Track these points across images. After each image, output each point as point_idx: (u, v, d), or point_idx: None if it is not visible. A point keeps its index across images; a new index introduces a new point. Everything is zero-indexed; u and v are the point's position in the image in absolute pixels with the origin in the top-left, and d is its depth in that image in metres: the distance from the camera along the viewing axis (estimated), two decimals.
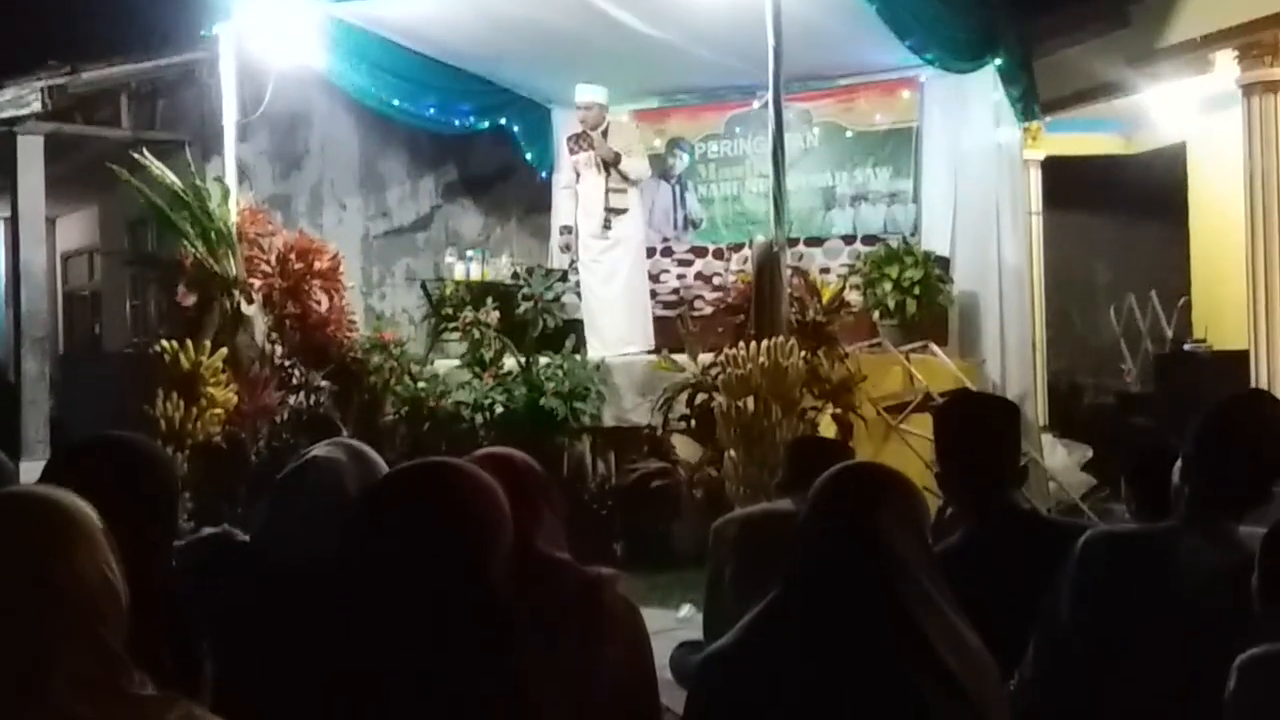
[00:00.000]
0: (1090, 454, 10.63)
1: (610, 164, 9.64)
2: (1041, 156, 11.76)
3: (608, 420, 8.77)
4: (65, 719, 1.70)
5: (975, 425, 3.10)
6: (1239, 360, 9.38)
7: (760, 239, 7.79)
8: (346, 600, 1.97)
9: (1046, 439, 10.51)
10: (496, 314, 9.25)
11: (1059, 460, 10.34)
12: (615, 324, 9.65)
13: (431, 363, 9.36)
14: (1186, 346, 10.76)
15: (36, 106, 10.66)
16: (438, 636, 1.88)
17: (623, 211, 9.75)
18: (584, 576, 2.31)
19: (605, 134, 9.70)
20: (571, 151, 10.02)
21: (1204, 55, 9.75)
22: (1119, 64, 10.36)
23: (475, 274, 10.47)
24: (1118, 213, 12.97)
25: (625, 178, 9.71)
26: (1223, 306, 10.48)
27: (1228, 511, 2.53)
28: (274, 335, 8.87)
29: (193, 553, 2.77)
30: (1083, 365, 13.18)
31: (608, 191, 9.68)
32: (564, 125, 11.66)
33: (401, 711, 1.85)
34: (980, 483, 2.98)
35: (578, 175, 9.97)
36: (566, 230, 10.19)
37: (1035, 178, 11.75)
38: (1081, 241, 13.07)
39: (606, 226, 9.67)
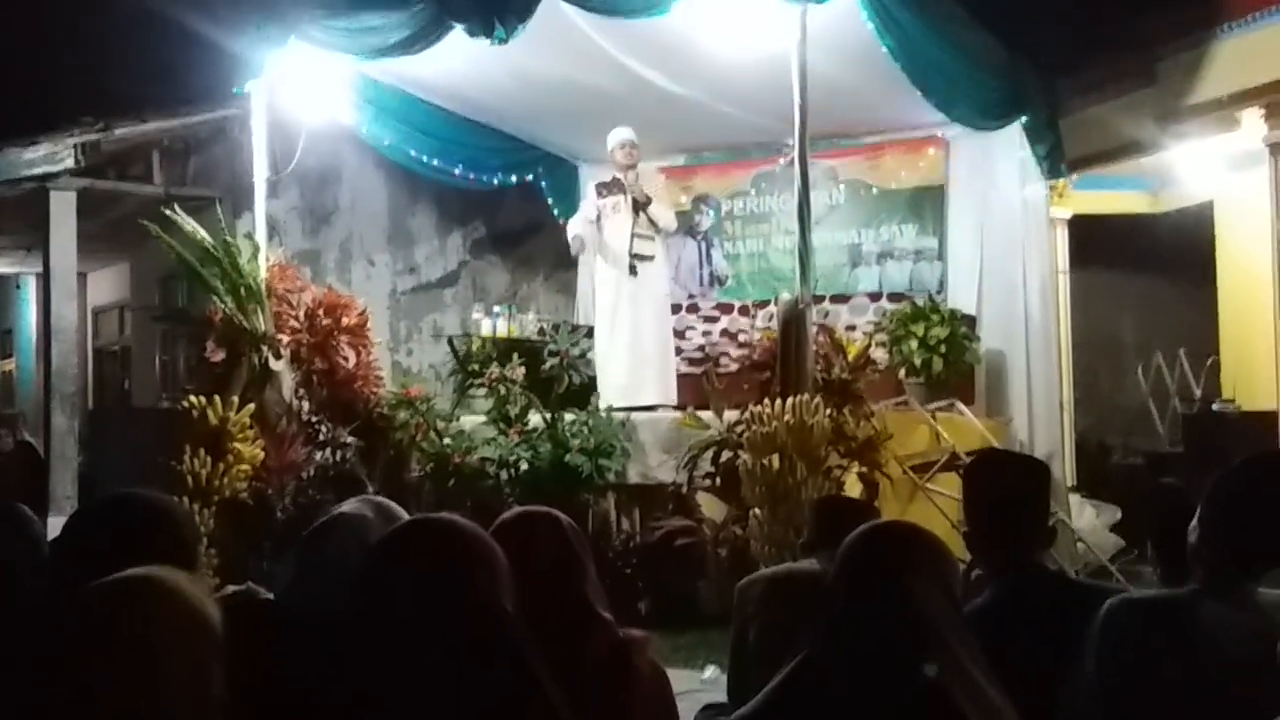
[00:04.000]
0: (1119, 515, 10.52)
1: (641, 205, 9.56)
2: (1068, 214, 11.74)
3: (632, 477, 8.73)
4: None
5: (1003, 485, 3.09)
6: (1268, 421, 9.31)
7: (786, 296, 7.79)
8: (362, 662, 2.00)
9: (1074, 499, 10.42)
10: (522, 370, 9.26)
11: (1087, 521, 10.24)
12: (634, 373, 9.57)
13: (457, 418, 9.36)
14: (1215, 406, 10.68)
15: (70, 163, 10.77)
16: (456, 687, 1.90)
17: (648, 258, 9.65)
18: (615, 636, 2.30)
19: (637, 179, 9.68)
20: (600, 195, 9.88)
21: (1231, 114, 9.75)
22: (1146, 122, 10.35)
23: (502, 330, 10.50)
24: (1145, 271, 12.93)
25: (653, 223, 9.65)
26: (1252, 366, 10.42)
27: (1246, 574, 2.51)
28: (301, 391, 8.90)
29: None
30: (1111, 424, 13.10)
31: (634, 236, 9.58)
32: (591, 180, 11.73)
33: None
34: (1008, 544, 2.96)
35: (599, 220, 9.81)
36: (578, 239, 9.95)
37: (1062, 235, 11.73)
38: (1109, 300, 13.03)
39: (632, 272, 9.58)
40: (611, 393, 9.47)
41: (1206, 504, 2.56)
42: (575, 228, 10.00)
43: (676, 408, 9.14)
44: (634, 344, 9.59)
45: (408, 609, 1.96)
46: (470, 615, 1.95)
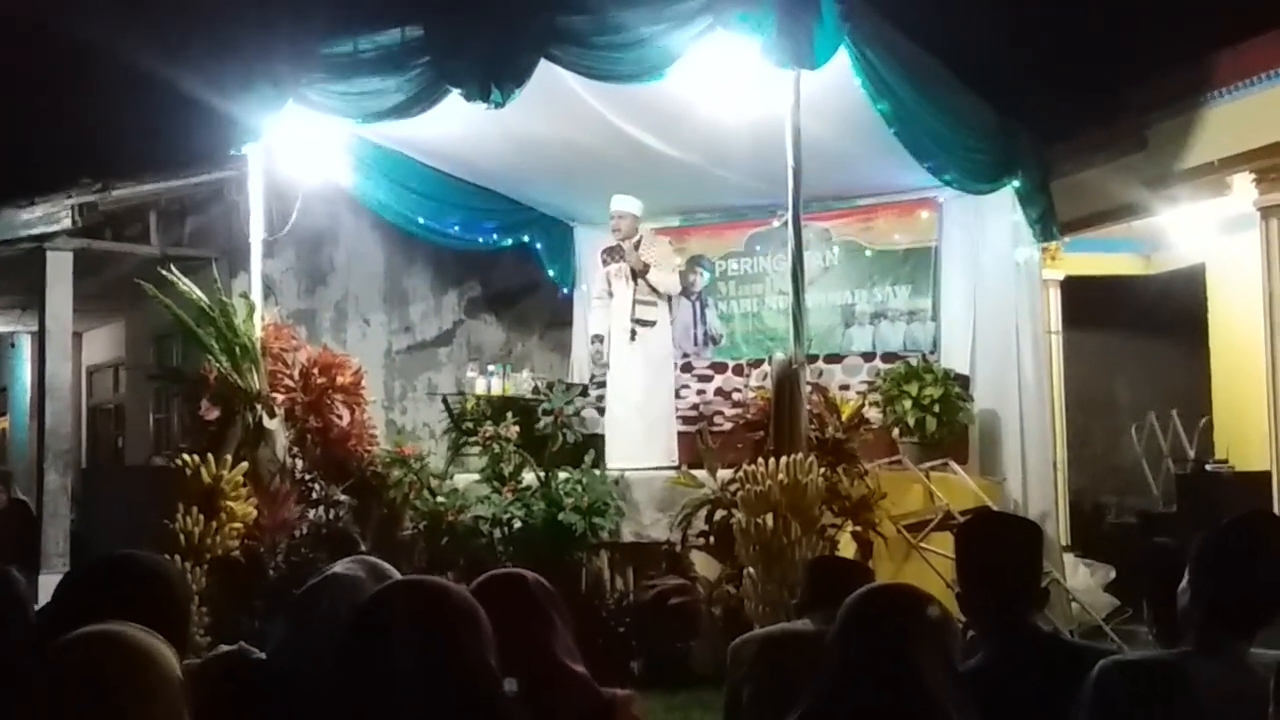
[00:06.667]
0: (1113, 574, 10.51)
1: (639, 274, 9.67)
2: (1061, 276, 11.82)
3: (626, 536, 8.71)
4: None
5: (997, 546, 3.09)
6: (1261, 481, 9.33)
7: (780, 355, 7.80)
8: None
9: (1068, 559, 10.42)
10: (516, 428, 9.26)
11: (1081, 581, 10.23)
12: (636, 437, 9.63)
13: (451, 477, 9.35)
14: (1208, 467, 10.70)
15: (67, 223, 10.82)
16: None
17: (650, 324, 9.74)
18: (599, 696, 2.30)
19: (637, 245, 9.75)
20: (604, 263, 10.04)
21: (1222, 178, 9.85)
22: (1137, 186, 10.44)
23: (496, 388, 10.51)
24: (1138, 332, 12.99)
25: (654, 289, 9.74)
26: (1245, 427, 10.45)
27: (1237, 634, 2.51)
28: (295, 449, 8.89)
29: (208, 671, 2.75)
30: (1105, 484, 13.10)
31: (634, 303, 9.69)
32: (586, 242, 11.83)
33: None
34: (1002, 604, 2.96)
35: (610, 287, 9.98)
36: (598, 339, 10.18)
37: (1054, 297, 11.80)
38: (1101, 361, 13.08)
39: (632, 338, 9.68)
40: (619, 455, 9.50)
41: (1194, 564, 2.58)
42: (595, 317, 10.31)
43: (671, 467, 9.15)
44: (641, 408, 9.70)
45: (395, 669, 1.97)
46: (457, 674, 1.96)
